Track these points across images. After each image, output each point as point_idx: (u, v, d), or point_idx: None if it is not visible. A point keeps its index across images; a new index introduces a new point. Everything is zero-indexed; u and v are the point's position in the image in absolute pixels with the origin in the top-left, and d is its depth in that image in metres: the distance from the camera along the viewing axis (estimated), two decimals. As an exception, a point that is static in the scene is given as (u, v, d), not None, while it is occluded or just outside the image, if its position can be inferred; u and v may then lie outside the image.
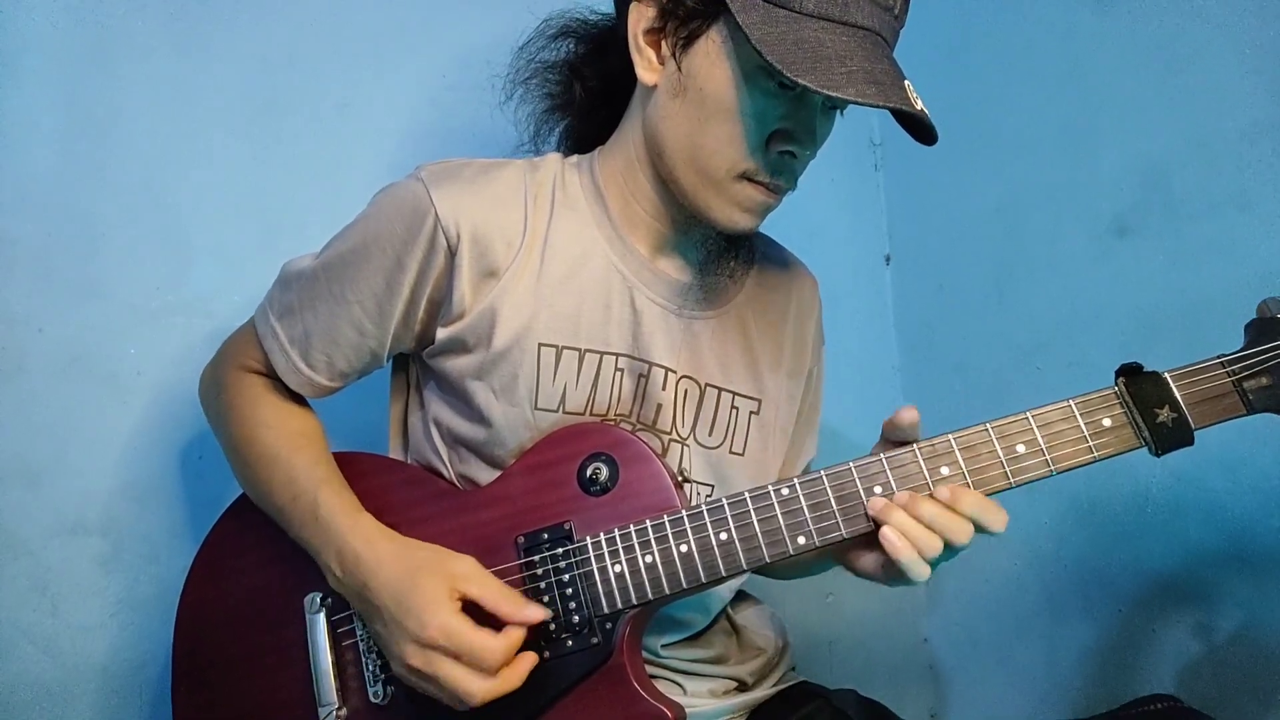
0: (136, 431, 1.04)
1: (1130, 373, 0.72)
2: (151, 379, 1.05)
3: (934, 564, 0.71)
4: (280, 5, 1.13)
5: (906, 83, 0.73)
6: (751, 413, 0.91)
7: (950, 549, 0.71)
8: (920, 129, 0.74)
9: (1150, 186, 1.11)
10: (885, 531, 0.70)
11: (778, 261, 0.99)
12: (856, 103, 0.69)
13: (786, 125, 0.77)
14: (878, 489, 0.73)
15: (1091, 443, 0.72)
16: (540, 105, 0.95)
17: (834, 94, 0.68)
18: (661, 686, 0.85)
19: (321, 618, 0.82)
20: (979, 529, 0.70)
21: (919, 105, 0.72)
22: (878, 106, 0.69)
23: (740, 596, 1.02)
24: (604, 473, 0.80)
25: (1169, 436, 0.70)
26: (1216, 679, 1.04)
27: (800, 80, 0.68)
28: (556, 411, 0.83)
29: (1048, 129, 1.24)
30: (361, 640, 0.82)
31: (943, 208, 1.44)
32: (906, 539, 0.70)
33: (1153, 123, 1.10)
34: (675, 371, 0.87)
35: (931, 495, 0.71)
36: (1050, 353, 1.24)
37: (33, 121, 1.01)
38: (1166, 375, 0.71)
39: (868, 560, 0.76)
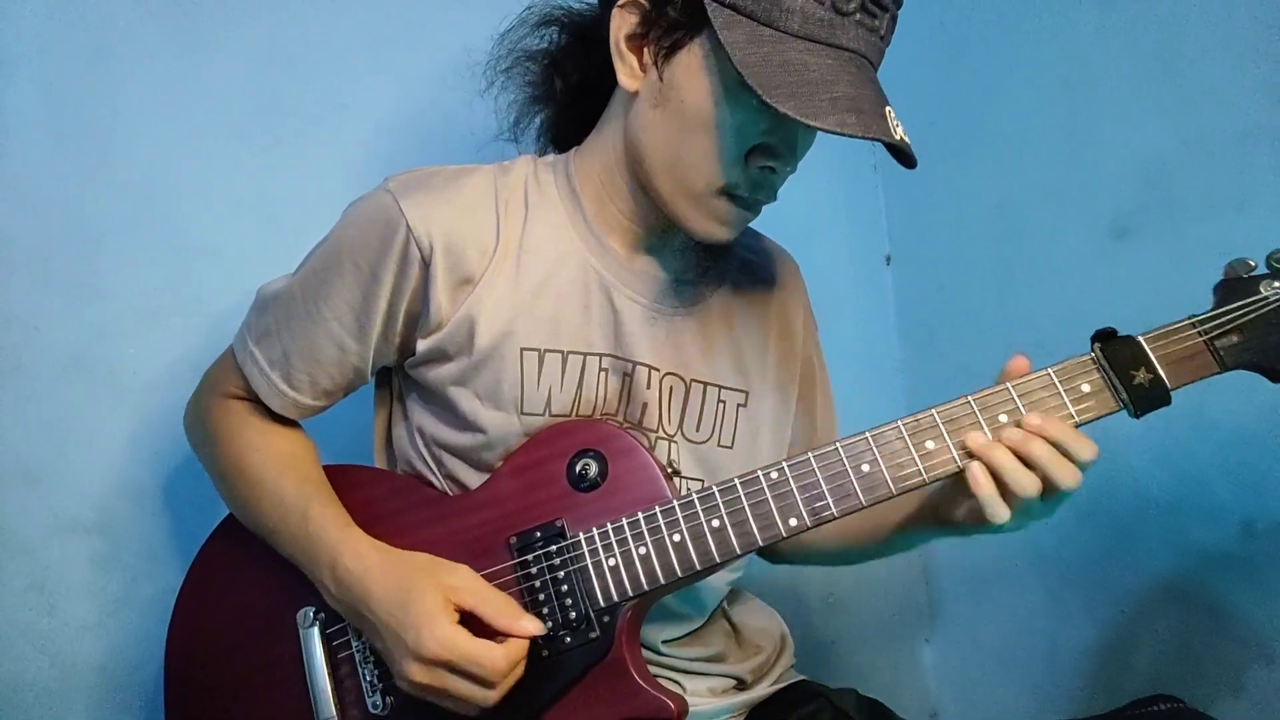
0: (135, 431, 1.04)
1: (1105, 338, 0.74)
2: (150, 379, 1.05)
3: (1029, 514, 0.71)
4: (280, 5, 1.13)
5: (888, 109, 0.73)
6: (739, 405, 0.91)
7: (1051, 493, 0.69)
8: (903, 154, 0.74)
9: (1150, 187, 1.11)
10: (973, 469, 0.70)
11: (757, 250, 0.99)
12: (836, 133, 0.69)
13: (767, 141, 0.76)
14: (865, 466, 0.73)
15: (1072, 409, 0.73)
16: (520, 95, 0.94)
17: (814, 124, 0.68)
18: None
19: (315, 632, 0.82)
20: (1074, 460, 0.69)
21: (899, 135, 0.72)
22: (857, 138, 0.69)
23: (740, 595, 1.02)
24: (593, 468, 0.80)
25: (1147, 397, 0.71)
26: (1218, 679, 1.04)
27: (781, 108, 0.67)
28: (543, 415, 0.83)
29: (1047, 129, 1.24)
30: (357, 652, 0.81)
31: (943, 208, 1.44)
32: (990, 477, 0.69)
33: (1152, 124, 1.10)
34: (659, 369, 0.86)
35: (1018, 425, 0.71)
36: (1051, 353, 1.23)
37: (31, 122, 1.01)
38: (1140, 338, 0.73)
39: (958, 510, 0.76)
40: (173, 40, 1.08)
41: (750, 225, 0.98)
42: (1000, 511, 0.70)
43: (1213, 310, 0.73)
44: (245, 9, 1.11)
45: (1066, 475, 0.69)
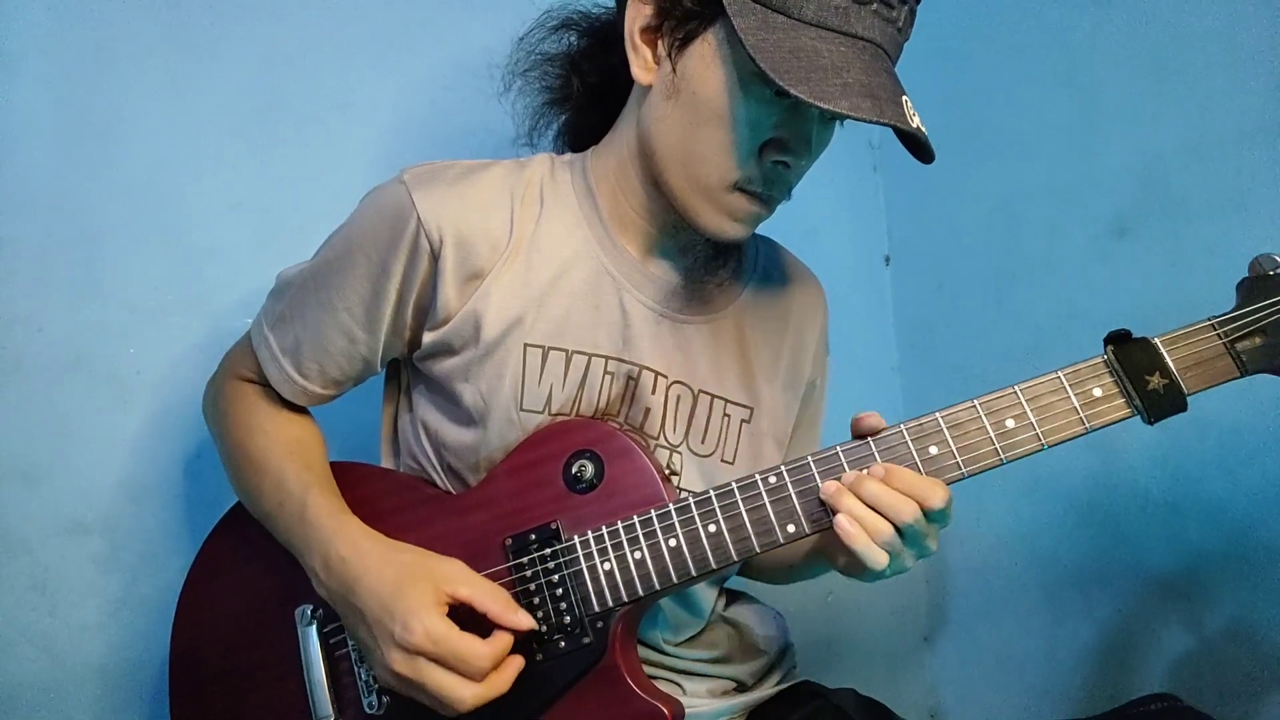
0: (136, 431, 1.04)
1: (1119, 340, 0.71)
2: (151, 379, 1.05)
3: (892, 554, 0.70)
4: (281, 5, 1.13)
5: (905, 99, 0.71)
6: (743, 421, 0.90)
7: (903, 535, 0.69)
8: (918, 146, 0.72)
9: (1149, 187, 1.11)
10: (839, 520, 0.70)
11: (781, 269, 0.98)
12: (849, 116, 0.68)
13: (781, 134, 0.75)
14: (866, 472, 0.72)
15: (1083, 414, 0.70)
16: (538, 99, 0.93)
17: (826, 106, 0.66)
18: (661, 686, 0.85)
19: (313, 630, 0.82)
20: (924, 508, 0.69)
21: (915, 123, 0.70)
22: (871, 121, 0.67)
23: (742, 597, 1.01)
24: (589, 470, 0.79)
25: (1161, 403, 0.68)
26: (1216, 679, 1.04)
27: (792, 90, 0.66)
28: (542, 413, 0.82)
29: (1047, 130, 1.24)
30: (353, 650, 0.81)
31: (942, 208, 1.44)
32: (858, 524, 0.69)
33: (1151, 124, 1.10)
34: (666, 376, 0.86)
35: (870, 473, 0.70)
36: (1049, 353, 1.24)
37: (33, 121, 1.01)
38: (1156, 341, 0.70)
39: (840, 559, 0.77)
40: (174, 40, 1.08)
41: (772, 239, 0.98)
42: (878, 558, 0.69)
43: (1234, 310, 0.69)
44: (246, 9, 1.11)
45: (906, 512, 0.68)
